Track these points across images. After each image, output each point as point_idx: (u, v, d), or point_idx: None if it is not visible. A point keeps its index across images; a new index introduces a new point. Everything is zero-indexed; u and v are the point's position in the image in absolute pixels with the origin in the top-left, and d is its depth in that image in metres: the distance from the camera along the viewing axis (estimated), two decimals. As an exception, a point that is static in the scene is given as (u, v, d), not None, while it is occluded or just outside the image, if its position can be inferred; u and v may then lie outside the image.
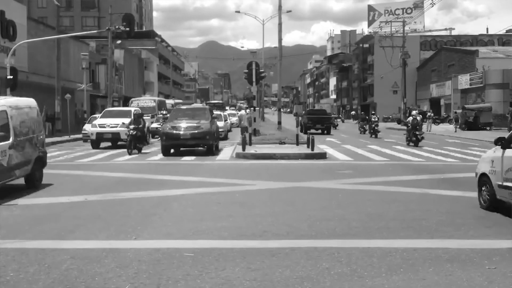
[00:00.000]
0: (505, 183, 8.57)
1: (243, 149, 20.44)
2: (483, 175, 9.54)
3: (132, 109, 27.97)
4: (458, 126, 41.08)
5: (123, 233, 7.55)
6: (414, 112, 25.99)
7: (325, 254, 6.36)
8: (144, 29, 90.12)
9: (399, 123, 53.06)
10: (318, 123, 38.31)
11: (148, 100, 40.93)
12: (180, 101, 65.29)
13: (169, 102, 56.54)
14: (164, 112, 34.63)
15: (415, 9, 77.62)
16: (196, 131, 20.28)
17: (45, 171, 13.06)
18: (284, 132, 32.94)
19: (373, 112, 45.23)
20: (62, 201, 10.33)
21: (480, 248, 6.64)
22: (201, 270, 5.74)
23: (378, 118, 36.13)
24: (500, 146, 8.93)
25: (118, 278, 5.49)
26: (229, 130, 37.32)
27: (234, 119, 49.06)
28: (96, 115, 30.61)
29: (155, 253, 6.39)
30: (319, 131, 37.59)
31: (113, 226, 7.96)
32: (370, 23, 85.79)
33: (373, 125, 34.24)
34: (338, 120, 66.54)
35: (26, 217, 8.74)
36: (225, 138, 31.18)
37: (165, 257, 6.23)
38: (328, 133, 37.75)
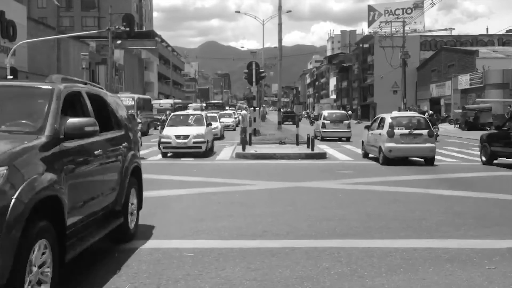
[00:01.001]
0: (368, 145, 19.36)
1: (243, 149, 20.45)
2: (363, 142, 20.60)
3: None
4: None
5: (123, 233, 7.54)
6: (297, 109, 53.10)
7: (325, 254, 6.36)
8: (144, 29, 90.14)
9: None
10: (289, 118, 59.59)
11: (125, 98, 33.36)
12: (180, 101, 62.63)
13: (167, 102, 52.52)
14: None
15: (415, 9, 77.53)
16: None
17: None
18: (284, 132, 32.93)
19: (307, 111, 72.90)
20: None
21: (480, 248, 6.64)
22: (201, 270, 5.74)
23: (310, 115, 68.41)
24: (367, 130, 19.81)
25: (118, 278, 5.49)
26: (219, 137, 29.45)
27: (230, 121, 43.88)
28: None
29: (155, 253, 6.39)
30: (291, 122, 55.66)
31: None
32: (370, 23, 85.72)
33: (311, 119, 57.69)
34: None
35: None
36: (210, 151, 21.32)
37: (165, 257, 6.23)
38: (294, 123, 56.32)
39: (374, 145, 18.50)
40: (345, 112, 28.66)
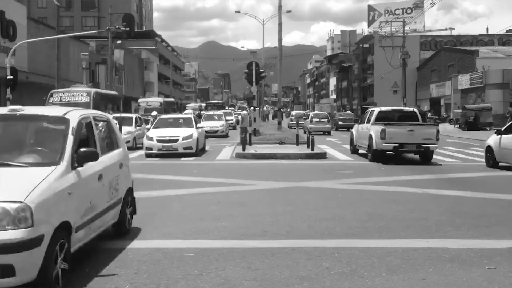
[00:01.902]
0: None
1: (243, 149, 20.43)
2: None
3: None
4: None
5: (123, 233, 7.54)
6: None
7: (325, 254, 6.37)
8: (144, 29, 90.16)
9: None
10: (276, 116, 67.59)
11: (77, 93, 24.99)
12: (172, 99, 53.67)
13: (156, 100, 43.83)
14: None
15: (415, 9, 77.49)
16: None
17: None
18: (284, 132, 32.93)
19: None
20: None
21: (480, 248, 6.65)
22: (201, 270, 5.75)
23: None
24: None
25: (118, 278, 5.49)
26: (194, 153, 20.06)
27: (218, 125, 32.97)
28: None
29: (155, 253, 6.40)
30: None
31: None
32: (370, 23, 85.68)
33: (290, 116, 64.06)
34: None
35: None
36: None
37: (165, 257, 6.23)
38: (282, 118, 66.23)
39: (306, 126, 37.43)
40: (303, 112, 60.42)
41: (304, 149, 20.57)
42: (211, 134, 30.33)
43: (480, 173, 14.94)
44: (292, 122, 46.27)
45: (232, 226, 7.96)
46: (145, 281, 5.37)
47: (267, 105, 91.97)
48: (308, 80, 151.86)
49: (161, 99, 46.01)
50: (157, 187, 12.05)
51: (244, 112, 30.28)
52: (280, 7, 39.61)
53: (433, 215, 8.83)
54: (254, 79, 29.35)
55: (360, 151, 20.15)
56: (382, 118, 18.64)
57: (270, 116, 73.37)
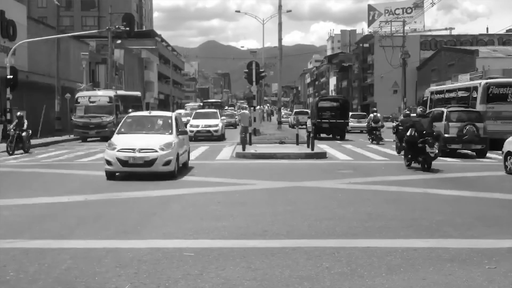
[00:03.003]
0: None
1: (243, 148, 20.44)
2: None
3: None
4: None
5: (123, 233, 7.56)
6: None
7: (325, 253, 6.37)
8: (144, 29, 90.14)
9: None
10: (271, 114, 75.40)
11: None
12: (136, 93, 38.60)
13: (104, 94, 31.73)
14: None
15: (415, 9, 77.45)
16: None
17: (46, 170, 13.05)
18: (284, 131, 32.94)
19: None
20: (62, 200, 10.32)
21: (480, 248, 6.65)
22: (201, 270, 5.75)
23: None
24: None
25: (118, 278, 5.49)
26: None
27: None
28: None
29: (155, 253, 6.40)
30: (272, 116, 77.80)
31: (113, 226, 7.96)
32: (370, 23, 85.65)
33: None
34: None
35: (26, 216, 8.74)
36: None
37: (165, 257, 6.23)
38: (273, 116, 72.53)
39: (289, 122, 50.82)
40: (289, 112, 72.47)
41: (304, 149, 20.58)
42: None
43: (480, 172, 14.93)
44: (284, 119, 54.92)
45: (232, 226, 7.96)
46: (145, 281, 5.38)
47: (268, 104, 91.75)
48: (308, 80, 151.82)
49: (112, 93, 32.18)
50: (157, 187, 12.05)
51: (244, 111, 30.21)
52: (280, 7, 39.61)
53: (433, 215, 8.83)
54: (254, 79, 29.33)
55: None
56: (297, 112, 49.23)
57: (277, 117, 72.60)
